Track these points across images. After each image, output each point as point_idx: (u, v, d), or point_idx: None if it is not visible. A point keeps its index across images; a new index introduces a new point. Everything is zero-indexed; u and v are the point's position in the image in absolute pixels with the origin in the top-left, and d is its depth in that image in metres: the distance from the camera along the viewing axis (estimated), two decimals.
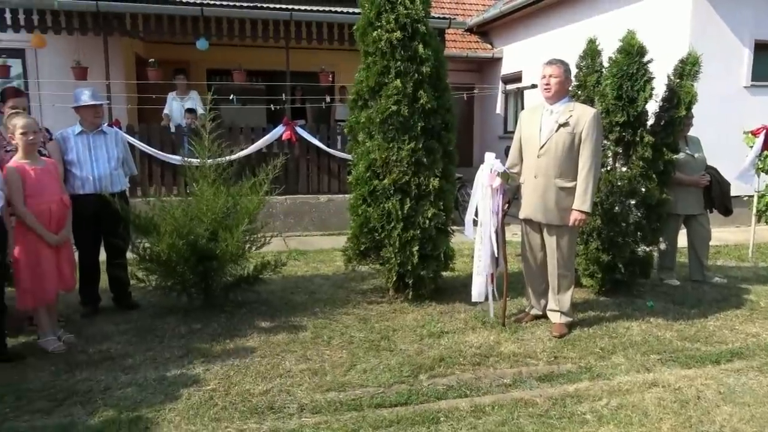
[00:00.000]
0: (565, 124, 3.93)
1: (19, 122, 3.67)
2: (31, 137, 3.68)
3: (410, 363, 3.59)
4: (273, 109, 8.47)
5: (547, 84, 4.01)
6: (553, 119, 4.00)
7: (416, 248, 4.49)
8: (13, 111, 3.98)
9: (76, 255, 4.26)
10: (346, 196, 7.46)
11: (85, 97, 4.44)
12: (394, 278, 4.63)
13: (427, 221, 4.53)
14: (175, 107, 7.94)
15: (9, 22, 7.30)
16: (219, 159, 4.68)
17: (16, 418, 2.95)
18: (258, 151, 7.80)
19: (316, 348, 3.85)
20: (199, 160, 4.64)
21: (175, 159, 7.28)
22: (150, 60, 8.42)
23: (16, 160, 3.68)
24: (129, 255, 4.54)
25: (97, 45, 7.81)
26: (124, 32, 7.84)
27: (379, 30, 4.52)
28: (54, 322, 3.92)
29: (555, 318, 4.21)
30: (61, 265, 3.81)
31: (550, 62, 4.03)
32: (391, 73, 4.52)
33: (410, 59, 4.53)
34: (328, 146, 8.15)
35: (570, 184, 3.96)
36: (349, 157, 7.34)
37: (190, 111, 7.86)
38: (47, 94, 7.78)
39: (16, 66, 8.27)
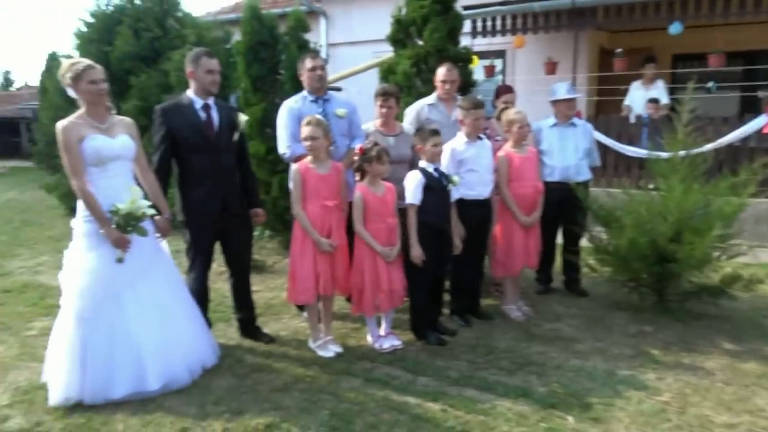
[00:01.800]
0: None
1: (516, 117, 4.17)
2: (523, 129, 4.16)
3: None
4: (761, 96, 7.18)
5: None
6: None
7: None
8: (504, 106, 4.59)
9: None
10: None
11: (562, 92, 4.74)
12: None
13: None
14: (638, 97, 7.63)
15: (499, 27, 8.50)
16: (691, 152, 4.27)
17: (485, 370, 3.45)
18: (729, 145, 6.78)
19: None
20: (667, 153, 4.35)
21: (639, 152, 6.95)
22: (616, 50, 8.34)
23: (506, 149, 4.23)
24: (583, 243, 4.67)
25: (566, 41, 8.27)
26: (595, 25, 8.02)
27: None
28: (518, 293, 4.40)
29: None
30: (529, 244, 4.22)
31: None
32: None
33: None
34: None
35: None
36: None
37: (653, 101, 7.43)
38: (521, 89, 8.71)
39: (497, 65, 9.59)
